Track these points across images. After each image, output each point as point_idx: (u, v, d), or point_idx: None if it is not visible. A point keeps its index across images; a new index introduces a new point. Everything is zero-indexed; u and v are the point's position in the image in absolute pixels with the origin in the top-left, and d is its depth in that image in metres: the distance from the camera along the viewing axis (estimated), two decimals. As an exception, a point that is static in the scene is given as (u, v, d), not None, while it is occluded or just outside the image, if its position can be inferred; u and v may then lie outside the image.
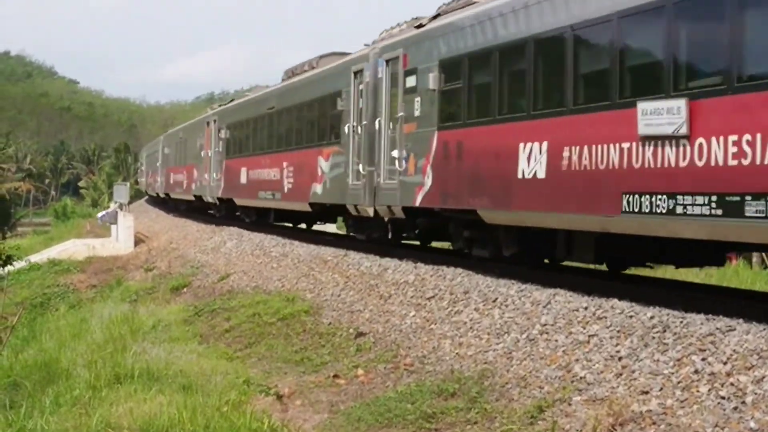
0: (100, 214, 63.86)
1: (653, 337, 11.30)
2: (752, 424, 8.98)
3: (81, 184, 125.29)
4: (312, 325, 18.18)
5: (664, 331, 11.30)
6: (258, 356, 17.17)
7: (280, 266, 24.61)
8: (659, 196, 12.60)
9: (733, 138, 11.40)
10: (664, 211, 12.51)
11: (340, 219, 30.97)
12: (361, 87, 22.44)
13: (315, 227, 33.93)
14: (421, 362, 14.04)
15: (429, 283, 17.34)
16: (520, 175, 15.53)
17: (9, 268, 40.24)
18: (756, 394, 9.30)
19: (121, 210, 49.76)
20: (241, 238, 31.63)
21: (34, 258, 44.43)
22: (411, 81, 19.51)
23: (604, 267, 17.24)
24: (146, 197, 78.44)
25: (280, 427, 12.47)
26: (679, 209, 12.24)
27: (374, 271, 19.81)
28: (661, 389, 10.20)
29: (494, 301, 14.96)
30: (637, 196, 13.01)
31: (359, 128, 22.40)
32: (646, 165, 12.81)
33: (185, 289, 27.46)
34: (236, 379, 14.89)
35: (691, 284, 17.69)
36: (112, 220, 50.00)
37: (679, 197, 12.25)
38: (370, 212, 21.68)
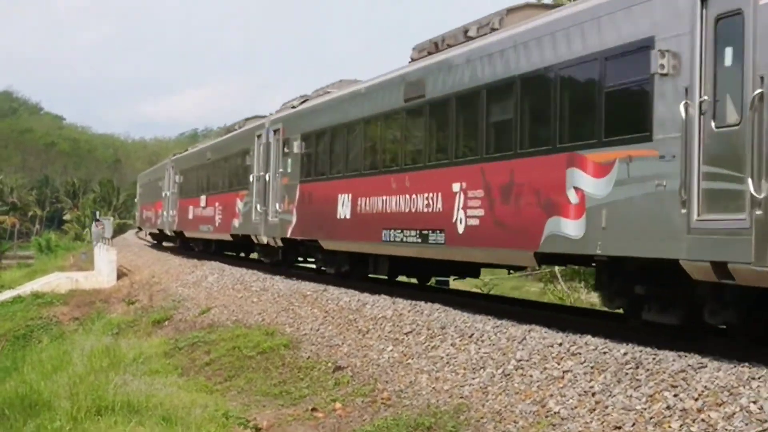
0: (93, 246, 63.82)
1: (626, 373, 11.42)
2: (721, 459, 9.11)
3: (65, 218, 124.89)
4: (291, 358, 18.26)
5: (637, 367, 11.43)
6: (237, 389, 17.23)
7: (260, 300, 24.69)
8: None
9: None
10: None
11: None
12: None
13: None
14: (398, 396, 14.14)
15: (407, 318, 17.45)
16: None
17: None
18: (726, 430, 9.42)
19: (104, 243, 49.79)
20: (222, 272, 31.72)
21: (18, 290, 44.49)
22: None
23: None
24: (136, 230, 78.03)
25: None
26: None
27: (353, 306, 19.91)
28: (633, 425, 10.30)
29: (470, 337, 15.08)
30: None
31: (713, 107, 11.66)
32: None
33: (166, 323, 27.50)
34: (215, 411, 14.95)
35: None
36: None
37: None
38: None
